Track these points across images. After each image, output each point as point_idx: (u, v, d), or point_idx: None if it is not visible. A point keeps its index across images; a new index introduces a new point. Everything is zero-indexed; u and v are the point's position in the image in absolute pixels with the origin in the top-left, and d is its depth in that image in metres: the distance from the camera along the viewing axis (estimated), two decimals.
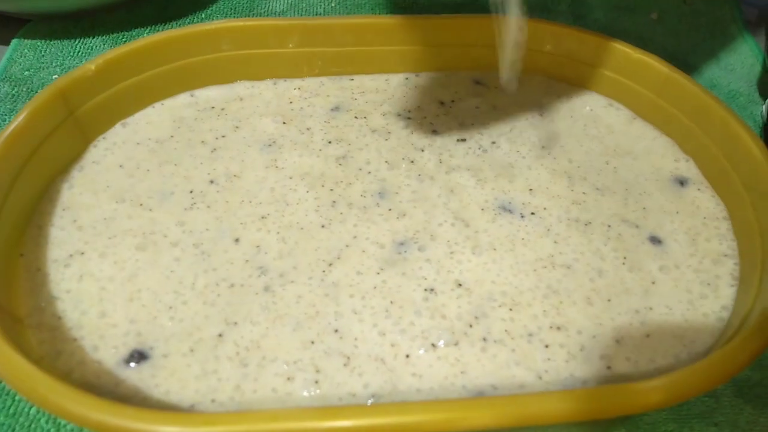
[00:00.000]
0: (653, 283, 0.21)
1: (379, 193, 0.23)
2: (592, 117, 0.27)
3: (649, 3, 0.35)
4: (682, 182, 0.24)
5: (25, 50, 0.30)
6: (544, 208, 0.23)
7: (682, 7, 0.35)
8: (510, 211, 0.23)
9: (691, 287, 0.21)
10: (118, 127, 0.25)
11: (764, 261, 0.20)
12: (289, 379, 0.18)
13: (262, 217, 0.22)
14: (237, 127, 0.26)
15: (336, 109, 0.26)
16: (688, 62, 0.32)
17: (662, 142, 0.26)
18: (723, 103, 0.24)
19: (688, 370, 0.16)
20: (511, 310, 0.20)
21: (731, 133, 0.23)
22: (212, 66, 0.26)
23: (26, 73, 0.29)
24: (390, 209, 0.23)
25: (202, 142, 0.25)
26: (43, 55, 0.30)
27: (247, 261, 0.21)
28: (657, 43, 0.33)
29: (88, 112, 0.24)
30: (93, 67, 0.24)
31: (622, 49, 0.26)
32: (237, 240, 0.22)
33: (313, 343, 0.19)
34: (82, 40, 0.31)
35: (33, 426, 0.19)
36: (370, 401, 0.18)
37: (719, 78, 0.31)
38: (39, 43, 0.31)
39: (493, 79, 0.28)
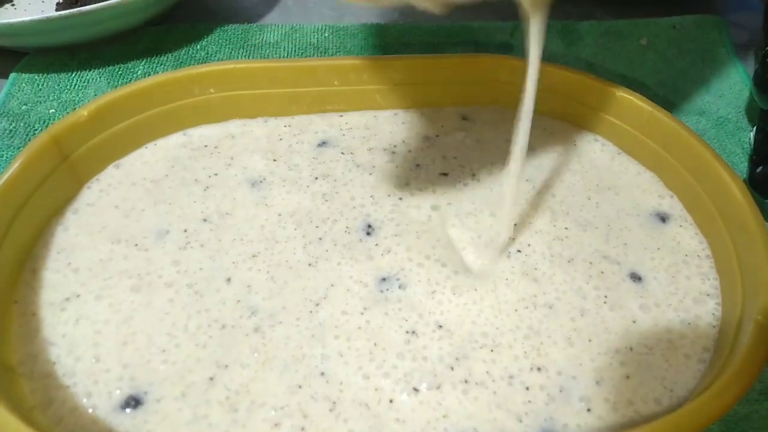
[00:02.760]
0: (634, 322, 0.20)
1: (363, 229, 0.22)
2: (576, 152, 0.25)
3: (639, 29, 0.33)
4: (663, 218, 0.23)
5: (23, 84, 0.29)
6: (528, 245, 0.22)
7: (672, 32, 0.33)
8: (493, 249, 0.22)
9: (672, 326, 0.20)
10: (110, 168, 0.24)
11: (744, 302, 0.19)
12: (276, 425, 0.17)
13: (253, 256, 0.21)
14: (229, 164, 0.24)
15: (323, 144, 0.25)
16: (677, 88, 0.30)
17: (646, 178, 0.24)
18: (704, 142, 0.22)
19: (668, 420, 0.15)
20: (492, 351, 0.19)
21: (712, 173, 0.22)
22: (204, 106, 0.25)
23: (24, 107, 0.28)
24: (373, 245, 0.22)
25: (196, 180, 0.24)
26: (40, 89, 0.29)
27: (238, 301, 0.20)
28: (646, 68, 0.31)
29: (81, 155, 0.23)
30: (86, 113, 0.23)
31: (605, 87, 0.25)
32: (229, 280, 0.21)
33: (300, 387, 0.18)
34: (78, 73, 0.30)
35: None
36: None
37: (708, 104, 0.29)
38: (36, 77, 0.29)
39: (480, 114, 0.27)
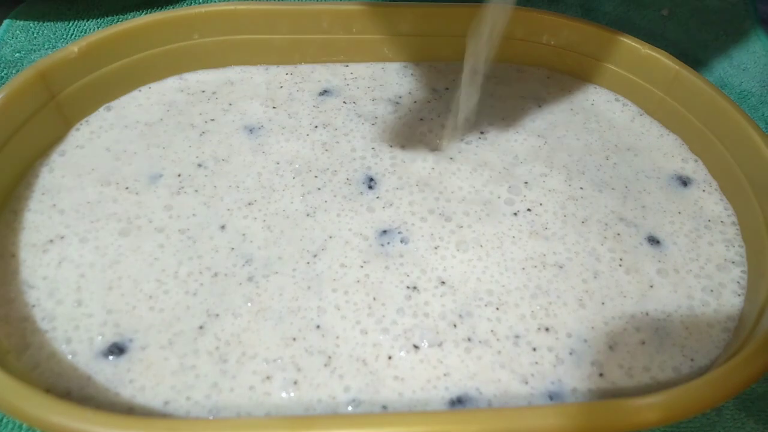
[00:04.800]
0: (651, 286, 0.17)
1: (364, 182, 0.20)
2: (593, 111, 0.22)
3: None
4: (685, 182, 0.20)
5: (17, 31, 0.26)
6: (540, 204, 0.19)
7: (694, 2, 0.30)
8: (501, 206, 0.19)
9: (692, 293, 0.17)
10: (101, 110, 0.21)
11: None
12: (268, 377, 0.15)
13: (249, 204, 0.19)
14: (226, 110, 0.22)
15: (325, 93, 0.22)
16: (698, 60, 0.27)
17: (669, 140, 0.22)
18: (735, 104, 0.20)
19: (692, 386, 0.13)
20: (497, 309, 0.17)
21: (742, 135, 0.19)
22: (203, 50, 0.22)
23: (17, 55, 0.25)
24: (374, 198, 0.19)
25: (192, 125, 0.21)
26: (35, 37, 0.26)
27: (232, 249, 0.18)
28: (667, 39, 0.28)
29: (70, 95, 0.20)
30: (76, 49, 0.20)
31: (630, 44, 0.22)
32: (223, 227, 0.18)
33: (294, 339, 0.16)
34: (75, 22, 0.27)
35: (5, 420, 0.16)
36: (349, 407, 0.15)
37: (731, 77, 0.27)
38: (31, 25, 0.26)
39: (494, 69, 0.23)
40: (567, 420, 0.13)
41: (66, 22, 0.27)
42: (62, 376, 0.15)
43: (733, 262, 0.18)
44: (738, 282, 0.18)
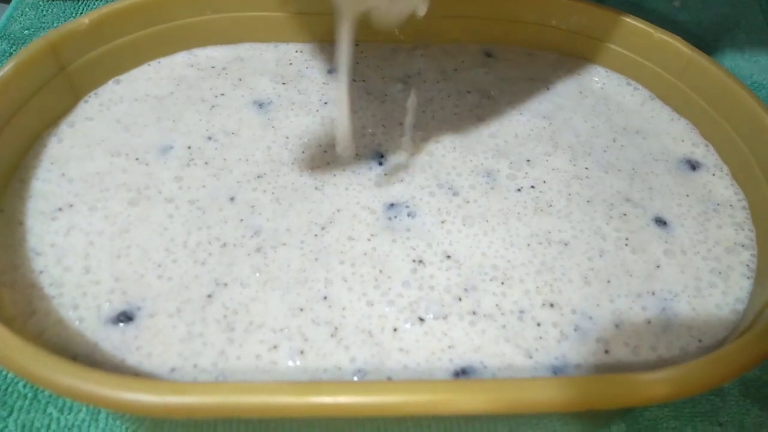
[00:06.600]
0: (657, 266, 0.17)
1: (374, 158, 0.19)
2: (602, 94, 0.21)
3: None
4: (694, 166, 0.19)
5: (26, 9, 0.25)
6: (544, 182, 0.18)
7: None
8: (506, 182, 0.18)
9: (700, 275, 0.16)
10: (111, 83, 0.20)
11: None
12: (275, 347, 0.14)
13: (258, 177, 0.18)
14: (236, 86, 0.20)
15: (334, 71, 0.21)
16: (709, 51, 0.26)
17: (680, 125, 0.20)
18: (747, 88, 0.18)
19: (699, 363, 0.12)
20: (502, 284, 0.16)
21: (755, 121, 0.18)
22: (214, 26, 0.21)
23: (26, 32, 0.24)
24: (383, 174, 0.18)
25: (202, 99, 0.20)
26: (44, 15, 0.25)
27: (241, 220, 0.17)
28: (679, 31, 0.27)
29: (80, 67, 0.19)
30: (87, 21, 0.19)
31: (643, 28, 0.21)
32: (232, 199, 0.17)
33: (302, 310, 0.15)
34: (85, 1, 0.26)
35: (10, 389, 0.15)
36: (355, 377, 0.14)
37: (742, 68, 0.26)
38: (41, 3, 0.25)
39: (506, 52, 0.22)
40: (572, 391, 0.12)
41: (75, 1, 0.26)
42: (69, 342, 0.15)
43: (742, 246, 0.17)
44: (747, 265, 0.17)
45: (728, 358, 0.13)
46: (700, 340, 0.15)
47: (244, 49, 0.22)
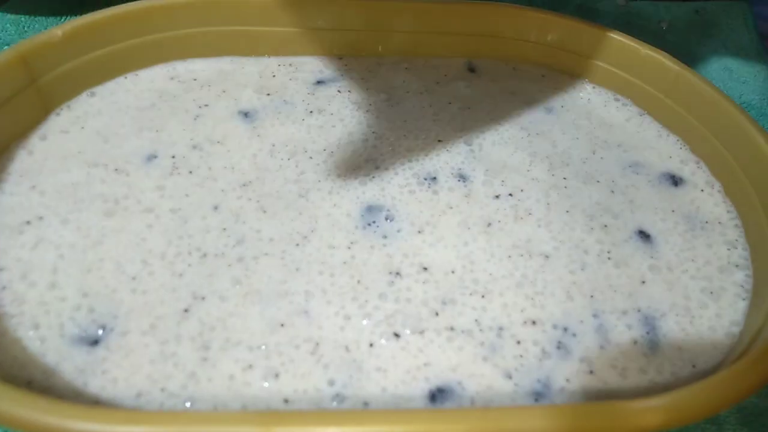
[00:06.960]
0: (643, 282, 0.16)
1: (359, 165, 0.18)
2: (586, 109, 0.21)
3: (660, 11, 0.29)
4: (676, 181, 0.19)
5: (7, 24, 0.24)
6: (521, 190, 0.18)
7: (694, 16, 0.28)
8: (482, 188, 0.18)
9: (690, 294, 0.15)
10: (84, 95, 0.19)
11: None
12: (250, 366, 0.13)
13: (243, 185, 0.17)
14: (219, 96, 0.20)
15: (319, 83, 0.21)
16: (697, 71, 0.26)
17: (669, 142, 0.20)
18: (737, 105, 0.18)
19: (694, 389, 0.11)
20: (483, 297, 0.15)
21: (745, 138, 0.17)
22: (194, 40, 0.21)
23: (5, 48, 0.24)
24: (367, 180, 0.18)
25: (186, 110, 0.19)
26: (25, 31, 0.24)
27: (224, 229, 0.16)
28: (667, 51, 0.28)
29: (52, 80, 0.18)
30: (60, 33, 0.18)
31: (630, 44, 0.20)
32: (216, 207, 0.17)
33: (282, 326, 0.14)
34: (68, 18, 0.25)
35: None
36: (333, 403, 0.13)
37: (730, 89, 0.25)
38: (22, 18, 0.24)
39: (489, 67, 0.22)
40: (558, 421, 0.11)
41: (57, 18, 0.25)
42: (26, 365, 0.13)
43: (736, 266, 0.16)
44: (742, 285, 0.16)
45: (725, 383, 0.12)
46: (693, 365, 0.14)
47: (226, 63, 0.22)
